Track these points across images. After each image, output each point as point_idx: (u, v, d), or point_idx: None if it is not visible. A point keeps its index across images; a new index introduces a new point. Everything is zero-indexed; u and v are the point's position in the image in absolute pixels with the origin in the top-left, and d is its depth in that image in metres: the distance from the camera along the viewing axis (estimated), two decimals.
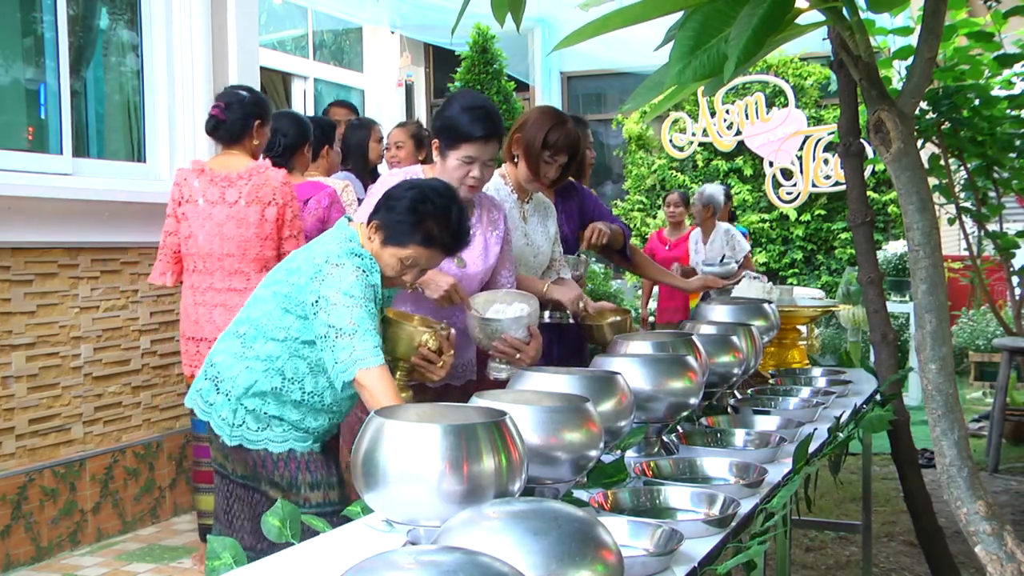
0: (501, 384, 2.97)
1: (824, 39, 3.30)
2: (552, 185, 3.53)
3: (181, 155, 5.42)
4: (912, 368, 4.83)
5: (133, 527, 4.97)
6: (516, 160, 3.44)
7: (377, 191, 2.98)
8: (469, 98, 3.05)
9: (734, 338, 3.03)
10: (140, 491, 5.02)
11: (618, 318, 3.33)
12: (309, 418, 2.60)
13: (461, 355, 3.11)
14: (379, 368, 2.40)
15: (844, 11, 1.96)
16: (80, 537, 4.74)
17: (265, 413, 2.58)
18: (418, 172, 3.08)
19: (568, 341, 3.58)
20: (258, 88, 5.71)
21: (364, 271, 2.49)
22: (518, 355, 2.89)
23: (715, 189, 7.45)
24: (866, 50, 1.98)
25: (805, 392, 3.35)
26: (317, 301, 2.46)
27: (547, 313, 3.47)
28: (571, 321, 3.46)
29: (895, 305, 7.93)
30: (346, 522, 2.05)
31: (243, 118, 4.15)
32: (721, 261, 6.84)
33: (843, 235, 9.90)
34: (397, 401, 2.36)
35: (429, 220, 2.55)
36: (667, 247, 7.59)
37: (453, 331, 2.73)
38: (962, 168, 4.86)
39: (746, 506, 2.09)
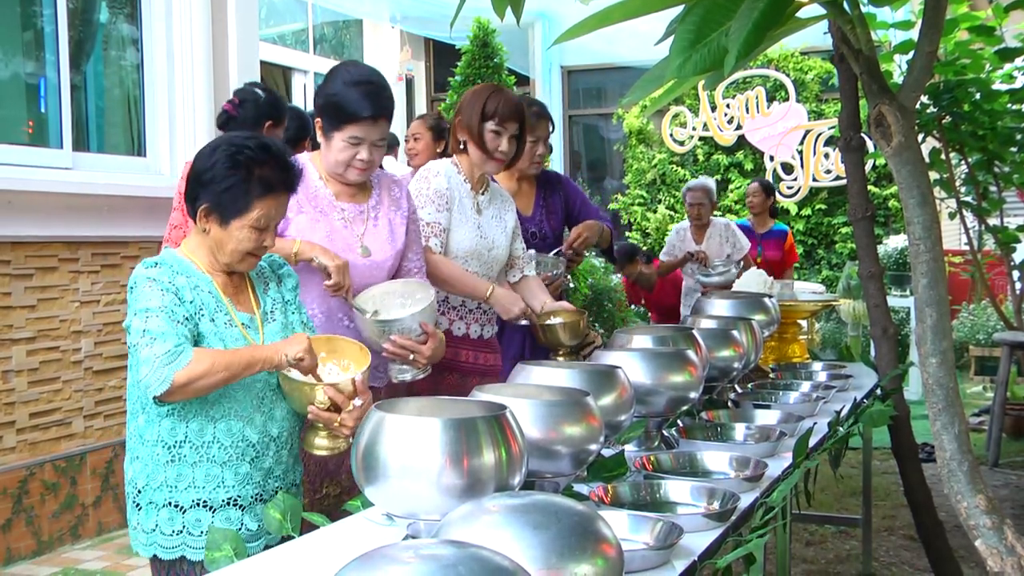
0: (406, 386, 2.74)
1: (825, 33, 3.29)
2: (510, 164, 3.33)
3: (181, 149, 5.42)
4: (912, 362, 4.83)
5: None
6: (464, 147, 3.21)
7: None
8: (355, 72, 2.73)
9: (734, 332, 3.03)
10: None
11: (568, 320, 3.12)
12: (227, 472, 2.21)
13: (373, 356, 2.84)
14: (192, 357, 2.09)
15: (845, 5, 1.95)
16: (81, 531, 4.75)
17: (177, 506, 2.19)
18: (305, 159, 2.83)
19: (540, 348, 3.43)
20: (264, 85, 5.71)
21: (156, 279, 2.16)
22: (412, 356, 2.61)
23: (709, 180, 6.88)
24: (867, 44, 1.98)
25: (805, 386, 3.36)
26: (128, 330, 2.16)
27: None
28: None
29: (895, 299, 7.93)
30: (346, 516, 2.06)
31: (255, 117, 4.12)
32: (723, 263, 6.12)
33: (844, 229, 9.90)
34: (230, 363, 2.13)
35: (256, 166, 2.21)
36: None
37: (360, 376, 2.27)
38: (963, 162, 4.85)
39: (746, 500, 2.10)
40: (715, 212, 9.84)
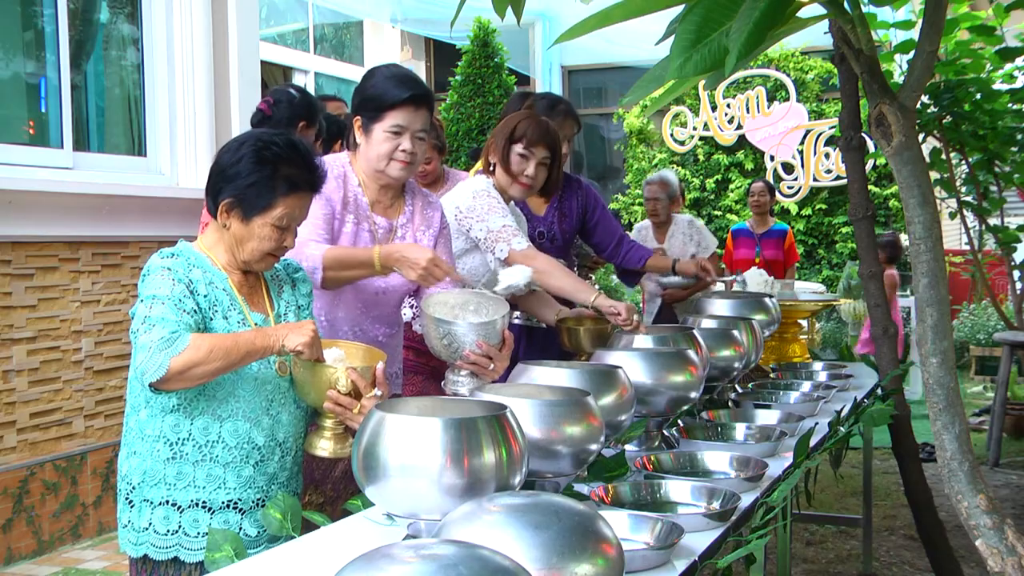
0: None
1: (826, 33, 3.28)
2: (543, 191, 3.33)
3: (182, 149, 5.42)
4: (913, 362, 4.83)
5: None
6: (493, 167, 3.23)
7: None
8: (393, 68, 2.72)
9: (735, 332, 3.03)
10: None
11: (595, 326, 3.10)
12: (229, 474, 2.17)
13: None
14: (188, 343, 2.03)
15: (846, 5, 1.95)
16: (81, 531, 4.75)
17: (175, 504, 2.15)
18: (344, 161, 2.75)
19: (535, 344, 3.42)
20: (258, 82, 5.72)
21: (171, 268, 2.14)
22: (492, 367, 2.46)
23: (669, 173, 6.26)
24: (868, 44, 1.98)
25: (806, 386, 3.36)
26: (133, 320, 2.13)
27: (517, 314, 3.32)
28: (543, 325, 3.30)
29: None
30: (347, 515, 2.06)
31: (289, 117, 4.12)
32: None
33: (844, 229, 9.90)
34: (229, 351, 2.07)
35: (283, 164, 2.18)
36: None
37: (381, 366, 2.21)
38: (963, 162, 4.85)
39: (746, 500, 2.10)
40: (717, 211, 9.86)
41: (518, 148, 3.18)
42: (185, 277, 2.15)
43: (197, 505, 2.15)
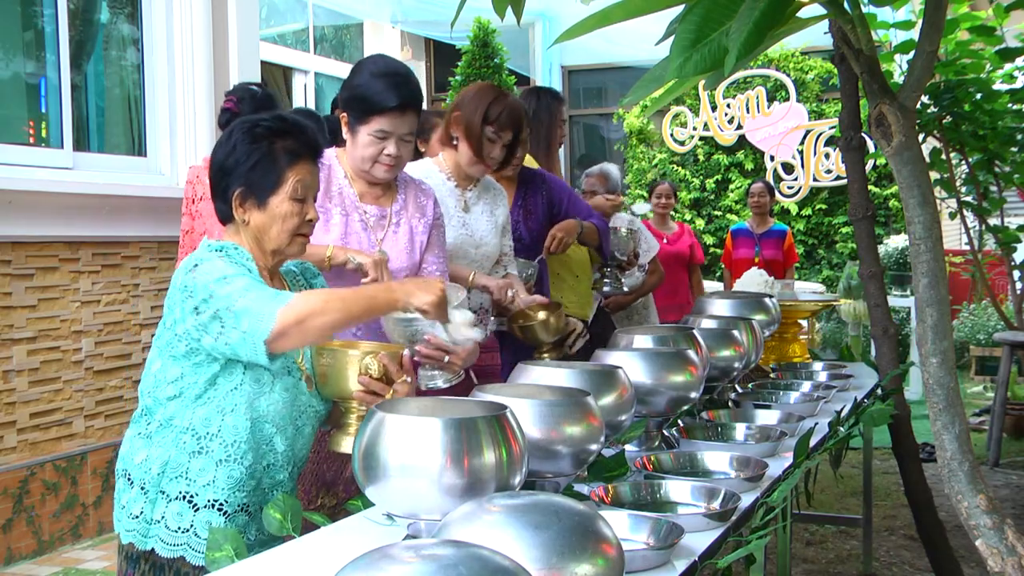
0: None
1: (826, 33, 3.29)
2: (499, 168, 3.25)
3: (182, 149, 5.42)
4: (913, 362, 4.83)
5: None
6: (456, 142, 3.14)
7: None
8: (381, 64, 2.65)
9: (735, 332, 3.02)
10: None
11: (547, 316, 3.02)
12: (247, 477, 2.13)
13: None
14: (295, 296, 2.00)
15: (846, 5, 1.96)
16: (82, 531, 4.75)
17: (191, 501, 2.09)
18: (331, 155, 2.75)
19: (509, 349, 3.29)
20: (259, 81, 5.72)
21: (228, 254, 2.10)
22: (447, 358, 2.38)
23: (611, 167, 5.62)
24: (868, 44, 1.98)
25: (806, 386, 3.36)
26: (196, 310, 2.03)
27: (493, 320, 3.22)
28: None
29: (896, 299, 7.93)
30: (347, 516, 2.06)
31: (254, 111, 4.13)
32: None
33: (844, 229, 9.90)
34: (346, 299, 2.04)
35: (277, 137, 2.15)
36: (665, 241, 6.35)
37: (407, 353, 2.19)
38: (963, 162, 4.86)
39: (746, 500, 2.10)
40: (717, 211, 9.85)
41: (489, 131, 3.12)
42: (244, 264, 2.11)
43: (213, 506, 2.11)
